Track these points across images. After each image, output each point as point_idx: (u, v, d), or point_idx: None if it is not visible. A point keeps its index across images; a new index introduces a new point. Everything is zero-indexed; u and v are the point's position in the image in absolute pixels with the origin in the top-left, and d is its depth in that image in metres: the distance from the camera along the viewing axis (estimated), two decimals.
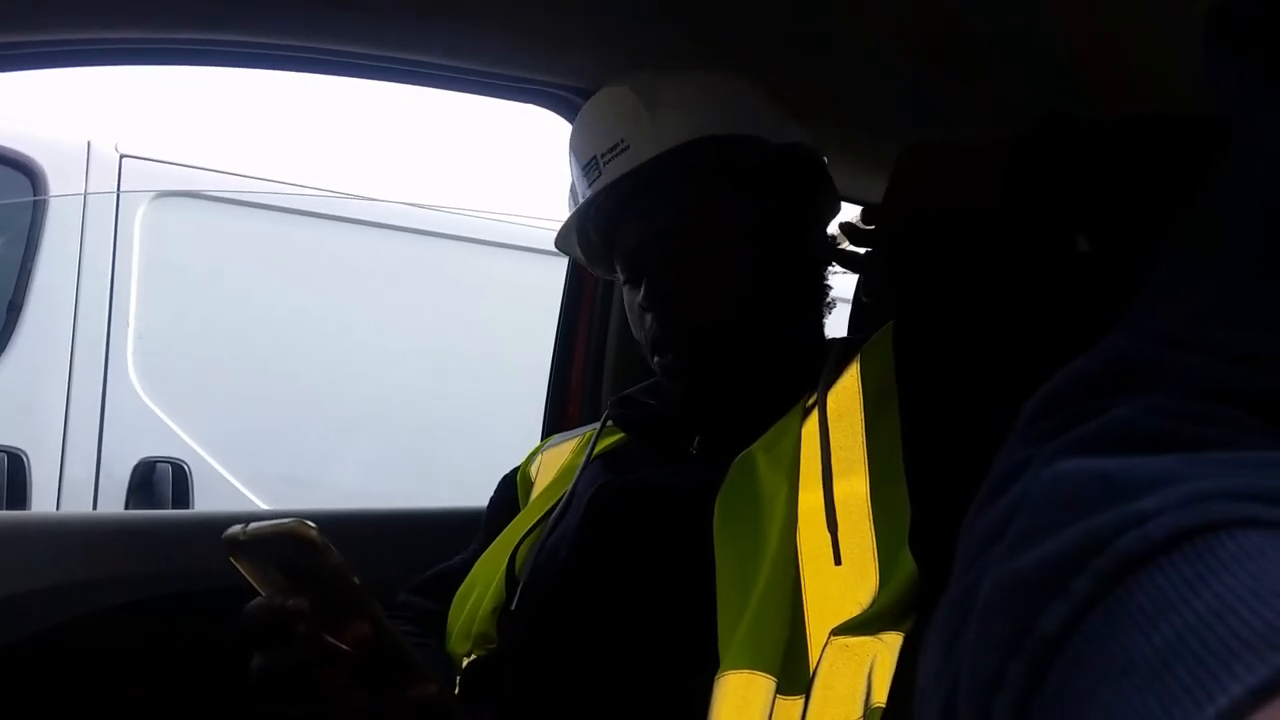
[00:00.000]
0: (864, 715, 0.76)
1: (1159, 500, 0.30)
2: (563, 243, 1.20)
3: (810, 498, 0.88)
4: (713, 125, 1.05)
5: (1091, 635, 0.29)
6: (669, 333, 1.05)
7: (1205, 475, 0.31)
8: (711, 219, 1.05)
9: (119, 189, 2.64)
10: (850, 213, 1.20)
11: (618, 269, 1.13)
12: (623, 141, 1.06)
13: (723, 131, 1.05)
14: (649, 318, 1.06)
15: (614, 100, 1.10)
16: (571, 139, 1.14)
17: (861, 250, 1.16)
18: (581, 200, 1.11)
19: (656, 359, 1.07)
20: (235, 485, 2.69)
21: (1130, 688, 0.27)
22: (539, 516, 1.10)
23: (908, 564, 0.80)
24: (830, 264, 1.15)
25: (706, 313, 1.03)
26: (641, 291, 1.06)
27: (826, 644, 0.80)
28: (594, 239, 1.15)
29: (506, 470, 1.29)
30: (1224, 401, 0.37)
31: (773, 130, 1.09)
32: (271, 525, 0.71)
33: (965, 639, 0.34)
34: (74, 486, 2.51)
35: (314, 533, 0.70)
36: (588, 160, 1.09)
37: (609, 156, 1.07)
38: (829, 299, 1.16)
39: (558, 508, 1.07)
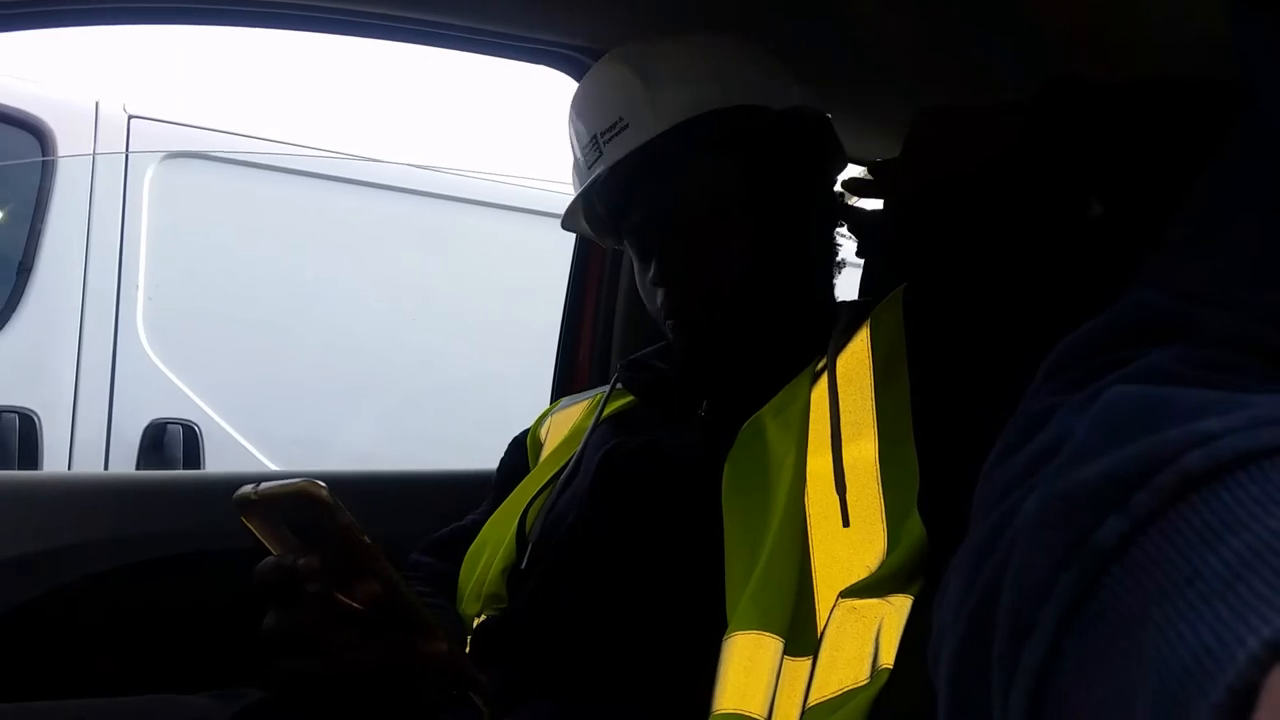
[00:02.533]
0: (871, 677, 0.76)
1: (1224, 421, 0.30)
2: (570, 222, 1.19)
3: (819, 461, 0.88)
4: (712, 98, 1.03)
5: (1150, 549, 0.29)
6: (682, 305, 1.04)
7: (1268, 404, 0.31)
8: (716, 192, 1.04)
9: (127, 150, 2.64)
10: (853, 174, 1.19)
11: (627, 243, 1.12)
12: (621, 120, 1.05)
13: (723, 104, 1.03)
14: (660, 293, 1.05)
15: (611, 77, 1.08)
16: (571, 116, 1.13)
17: (864, 206, 1.15)
18: (584, 179, 1.10)
19: (670, 322, 1.06)
20: (246, 446, 2.70)
21: (1196, 596, 0.26)
22: (549, 477, 1.11)
23: (916, 527, 0.81)
24: (838, 225, 1.15)
25: (718, 284, 1.02)
26: (652, 270, 1.05)
27: (834, 606, 0.80)
28: (601, 215, 1.14)
29: (516, 433, 1.30)
30: (1252, 355, 0.37)
31: (773, 95, 1.07)
32: (282, 485, 0.71)
33: (1008, 555, 0.34)
34: (85, 448, 2.52)
35: (324, 492, 0.70)
36: (588, 140, 1.08)
37: (609, 136, 1.05)
38: (839, 259, 1.15)
39: (567, 469, 1.08)
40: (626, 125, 1.04)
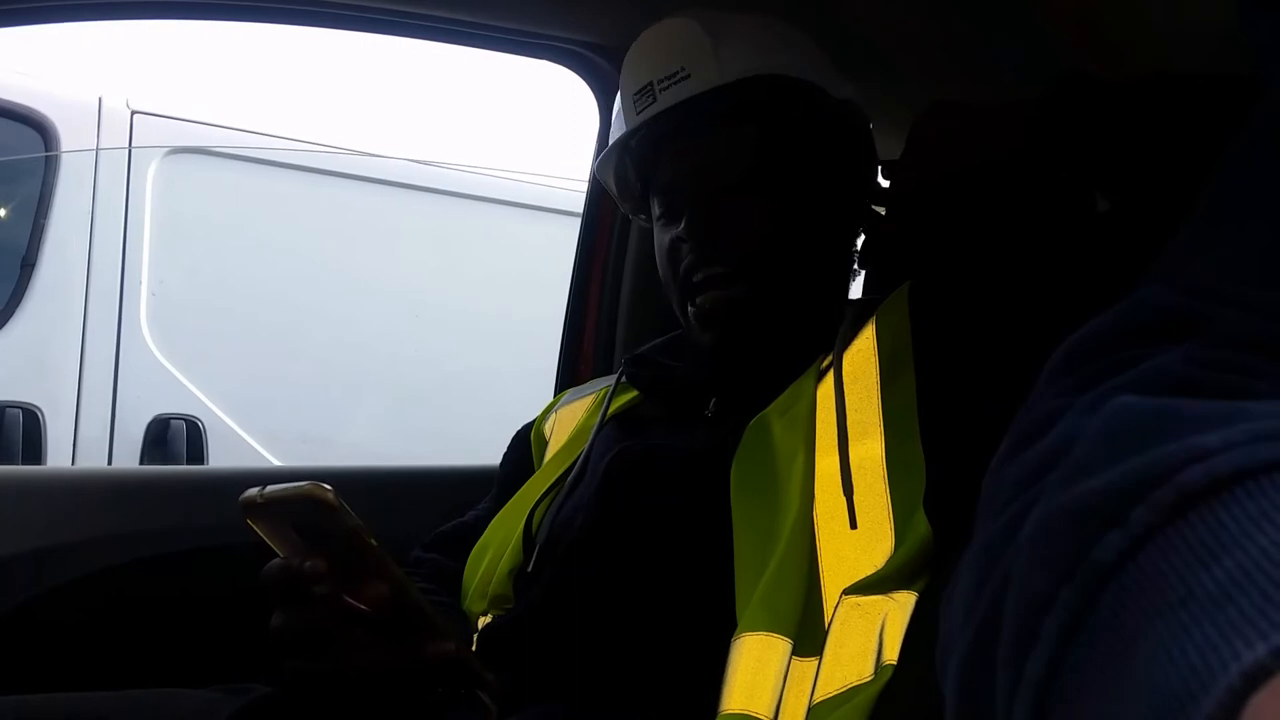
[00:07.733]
0: (875, 673, 0.76)
1: (1223, 436, 0.30)
2: (601, 169, 1.18)
3: (826, 461, 0.88)
4: (776, 64, 1.04)
5: (1148, 566, 0.29)
6: (705, 266, 1.02)
7: (1268, 416, 0.31)
8: (760, 158, 1.03)
9: (131, 145, 2.64)
10: None
11: (654, 203, 1.11)
12: (683, 69, 1.04)
13: (786, 72, 1.04)
14: (684, 249, 1.04)
15: (676, 30, 1.07)
16: (625, 68, 1.11)
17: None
18: (628, 126, 1.09)
19: (688, 301, 1.05)
20: (249, 442, 2.70)
21: (1188, 617, 0.26)
22: (555, 477, 1.10)
23: (922, 525, 0.81)
24: (860, 229, 1.14)
25: (743, 250, 1.02)
26: (681, 225, 1.03)
27: (839, 603, 0.80)
28: (630, 174, 1.13)
29: (519, 428, 1.29)
30: (1261, 354, 0.37)
31: (830, 84, 1.07)
32: (288, 488, 0.71)
33: (1013, 565, 0.33)
34: (89, 444, 2.53)
35: (331, 495, 0.70)
36: (642, 86, 1.07)
37: (667, 84, 1.04)
38: (855, 268, 1.15)
39: (573, 470, 1.07)
40: (687, 75, 1.04)
